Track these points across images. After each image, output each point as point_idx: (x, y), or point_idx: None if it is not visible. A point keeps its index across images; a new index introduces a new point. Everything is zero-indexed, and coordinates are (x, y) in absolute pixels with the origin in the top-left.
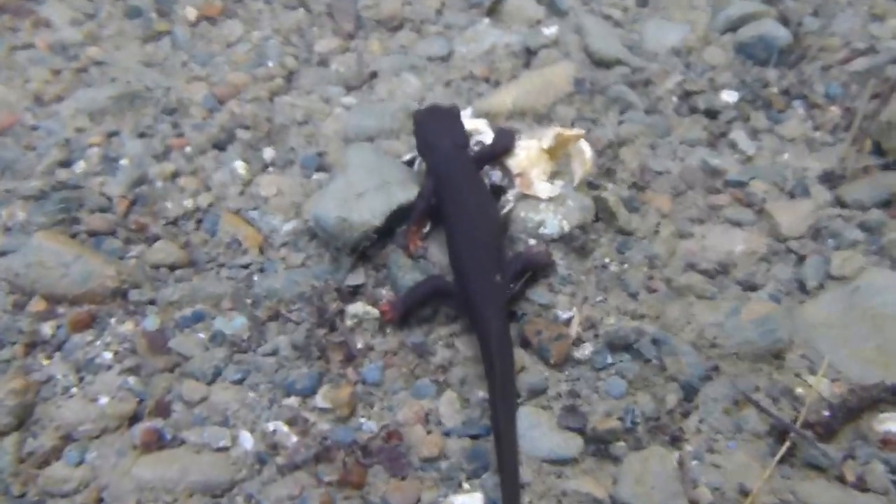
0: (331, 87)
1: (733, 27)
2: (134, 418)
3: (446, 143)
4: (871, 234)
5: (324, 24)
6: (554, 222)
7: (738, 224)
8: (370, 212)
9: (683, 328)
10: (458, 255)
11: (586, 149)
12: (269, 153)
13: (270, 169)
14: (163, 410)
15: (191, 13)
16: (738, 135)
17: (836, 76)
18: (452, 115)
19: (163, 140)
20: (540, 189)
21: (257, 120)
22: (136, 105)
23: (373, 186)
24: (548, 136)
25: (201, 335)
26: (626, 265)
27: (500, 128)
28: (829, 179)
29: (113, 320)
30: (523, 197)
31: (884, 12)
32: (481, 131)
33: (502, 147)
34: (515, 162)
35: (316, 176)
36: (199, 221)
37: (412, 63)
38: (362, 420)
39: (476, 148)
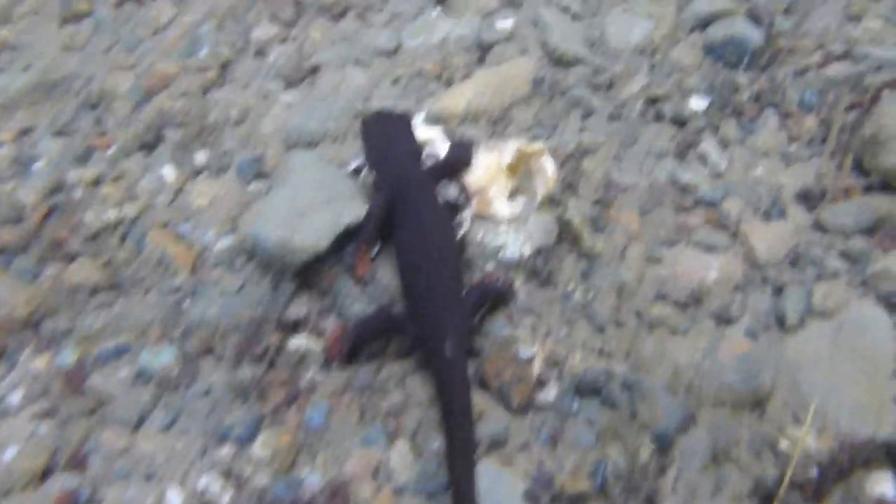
0: (269, 82)
1: (702, 24)
2: (46, 473)
3: (398, 156)
4: (855, 264)
5: (261, 8)
6: (515, 246)
7: (711, 248)
8: (315, 233)
9: (656, 368)
10: (411, 282)
11: (549, 166)
12: (201, 156)
13: (203, 175)
14: (79, 463)
15: None
16: (709, 145)
17: (811, 82)
18: (404, 123)
19: (84, 139)
20: (500, 209)
21: (189, 117)
22: (53, 97)
23: (318, 202)
24: (508, 151)
25: (125, 372)
26: (591, 293)
27: (456, 140)
28: (808, 199)
29: (23, 355)
30: (480, 217)
31: (861, 11)
32: (435, 142)
33: (459, 161)
34: (473, 178)
35: (254, 185)
36: (124, 236)
37: (357, 56)
38: (305, 472)
39: (429, 161)
